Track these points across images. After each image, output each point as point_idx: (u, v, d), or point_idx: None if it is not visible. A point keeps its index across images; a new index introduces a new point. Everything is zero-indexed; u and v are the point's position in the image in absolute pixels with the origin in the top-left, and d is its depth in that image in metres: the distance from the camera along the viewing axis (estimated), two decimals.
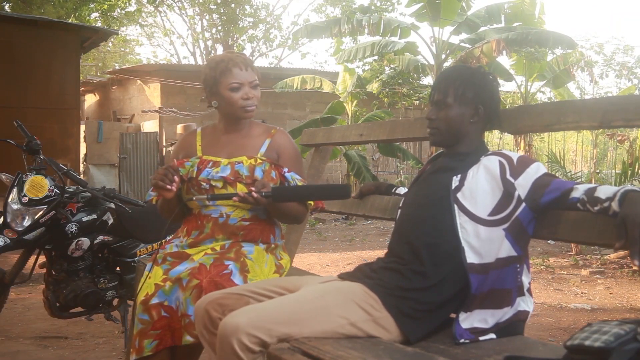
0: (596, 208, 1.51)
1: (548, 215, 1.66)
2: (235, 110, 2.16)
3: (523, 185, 1.64)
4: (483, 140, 1.87)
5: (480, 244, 1.65)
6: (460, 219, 1.67)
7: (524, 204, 1.64)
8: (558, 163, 7.31)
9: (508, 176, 1.66)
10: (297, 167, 2.22)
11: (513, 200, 1.65)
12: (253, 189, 1.94)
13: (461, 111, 1.79)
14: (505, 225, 1.65)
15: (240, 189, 2.06)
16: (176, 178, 2.04)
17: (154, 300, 1.97)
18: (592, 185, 1.56)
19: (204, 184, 2.11)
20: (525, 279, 1.72)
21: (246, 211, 2.12)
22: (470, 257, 1.64)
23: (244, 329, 1.50)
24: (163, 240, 2.34)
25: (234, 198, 1.95)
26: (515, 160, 1.69)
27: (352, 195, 2.53)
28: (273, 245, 2.19)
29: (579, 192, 1.56)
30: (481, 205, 1.67)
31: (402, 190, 2.33)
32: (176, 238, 2.22)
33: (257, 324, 1.52)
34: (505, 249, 1.65)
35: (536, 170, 1.66)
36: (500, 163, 1.70)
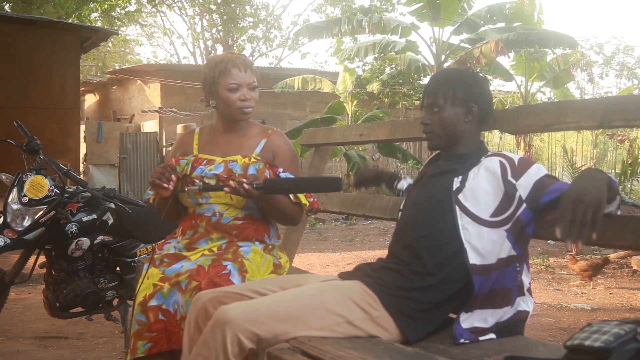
0: None
1: (548, 216, 1.66)
2: (232, 111, 2.16)
3: (524, 186, 1.64)
4: (482, 140, 1.87)
5: (483, 245, 1.64)
6: (462, 220, 1.67)
7: (524, 205, 1.64)
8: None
9: (509, 177, 1.66)
10: (293, 168, 2.21)
11: (514, 201, 1.65)
12: (244, 180, 1.94)
13: (454, 111, 1.79)
14: (507, 227, 1.65)
15: None
16: (173, 177, 2.05)
17: (152, 303, 1.97)
18: None
19: (197, 181, 2.11)
20: (526, 279, 1.72)
21: (239, 210, 2.12)
22: (473, 258, 1.64)
23: (241, 324, 1.50)
24: (159, 242, 2.33)
25: (226, 189, 1.95)
26: (516, 162, 1.69)
27: (352, 184, 2.51)
28: (270, 246, 2.19)
29: None
30: (483, 206, 1.67)
31: (404, 184, 2.30)
32: (172, 238, 2.22)
33: (253, 318, 1.52)
34: (506, 250, 1.65)
35: (537, 171, 1.66)
36: (501, 164, 1.69)
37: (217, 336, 1.51)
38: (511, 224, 1.65)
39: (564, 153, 7.51)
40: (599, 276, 5.60)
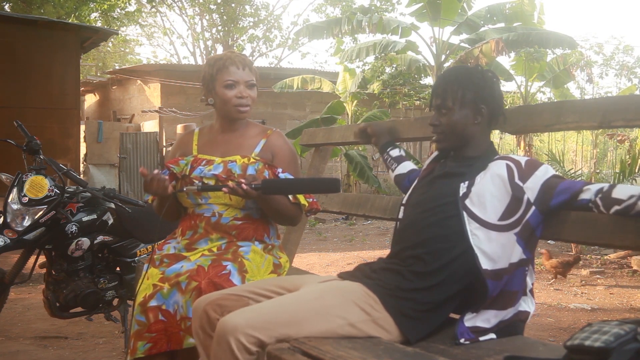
0: (615, 209, 1.49)
1: (553, 217, 1.65)
2: (229, 108, 2.16)
3: (532, 188, 1.63)
4: (491, 142, 1.85)
5: (493, 249, 1.63)
6: (470, 226, 1.65)
7: (533, 207, 1.62)
8: (557, 161, 7.32)
9: (516, 180, 1.65)
10: (292, 168, 2.21)
11: (522, 204, 1.63)
12: (243, 180, 1.94)
13: (463, 114, 1.76)
14: (517, 230, 1.64)
15: None
16: (165, 176, 2.06)
17: (152, 303, 1.97)
18: (603, 185, 1.54)
19: (197, 181, 2.11)
20: (530, 280, 1.71)
21: (238, 210, 2.12)
22: (484, 264, 1.63)
23: (243, 329, 1.50)
24: (159, 242, 2.33)
25: (224, 189, 1.95)
26: (523, 164, 1.67)
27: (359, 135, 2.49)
28: (270, 246, 2.19)
29: (590, 193, 1.54)
30: (490, 210, 1.65)
31: (396, 152, 2.32)
32: (172, 238, 2.22)
33: (255, 324, 1.52)
34: (517, 254, 1.64)
35: (544, 172, 1.64)
36: (508, 167, 1.68)
37: (223, 347, 1.51)
38: (520, 227, 1.64)
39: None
40: (598, 276, 5.60)
